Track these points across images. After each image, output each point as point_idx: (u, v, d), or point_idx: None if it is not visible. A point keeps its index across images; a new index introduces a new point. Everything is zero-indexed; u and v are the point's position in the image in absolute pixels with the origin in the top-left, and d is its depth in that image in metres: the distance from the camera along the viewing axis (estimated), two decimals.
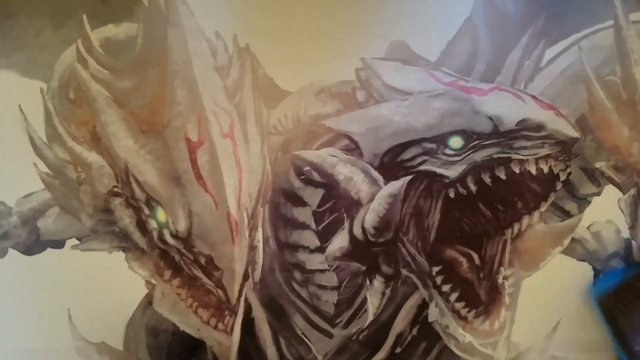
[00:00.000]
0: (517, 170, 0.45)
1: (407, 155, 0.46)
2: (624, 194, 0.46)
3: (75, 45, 0.47)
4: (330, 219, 0.46)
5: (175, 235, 0.46)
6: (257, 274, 0.47)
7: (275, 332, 0.47)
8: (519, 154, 0.45)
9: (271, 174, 0.46)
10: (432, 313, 0.47)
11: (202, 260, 0.47)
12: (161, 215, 0.46)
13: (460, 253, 0.47)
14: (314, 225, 0.46)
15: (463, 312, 0.46)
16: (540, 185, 0.46)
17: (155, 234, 0.47)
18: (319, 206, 0.46)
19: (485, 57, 0.46)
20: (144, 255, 0.47)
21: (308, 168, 0.46)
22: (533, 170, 0.45)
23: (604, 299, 0.43)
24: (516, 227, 0.46)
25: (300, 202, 0.46)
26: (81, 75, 0.47)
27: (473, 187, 0.45)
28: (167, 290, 0.47)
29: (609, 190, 0.46)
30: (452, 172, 0.45)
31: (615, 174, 0.46)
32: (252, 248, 0.46)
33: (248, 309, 0.47)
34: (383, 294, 0.47)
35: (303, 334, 0.47)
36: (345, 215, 0.46)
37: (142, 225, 0.47)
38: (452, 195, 0.46)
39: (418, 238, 0.46)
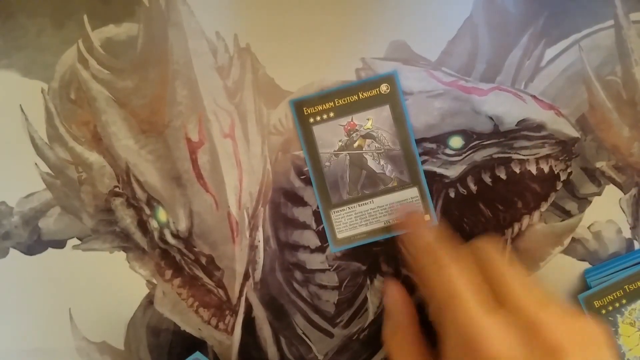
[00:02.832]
0: (517, 170, 0.45)
1: None
2: (625, 194, 0.46)
3: (76, 45, 0.47)
4: None
5: (176, 235, 0.47)
6: (258, 274, 0.47)
7: (276, 332, 0.47)
8: (520, 154, 0.45)
9: (272, 174, 0.46)
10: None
11: (203, 260, 0.47)
12: (162, 215, 0.47)
13: None
14: (314, 225, 0.46)
15: None
16: (540, 185, 0.46)
17: (156, 234, 0.47)
18: (319, 206, 0.46)
19: (486, 57, 0.46)
20: (145, 255, 0.47)
21: (308, 168, 0.46)
22: (533, 170, 0.45)
23: None
24: (516, 226, 0.46)
25: (300, 202, 0.46)
26: (82, 76, 0.47)
27: (473, 187, 0.45)
28: (168, 289, 0.47)
29: (610, 190, 0.46)
30: (453, 172, 0.45)
31: (616, 173, 0.46)
32: (252, 248, 0.46)
33: (249, 308, 0.47)
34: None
35: (304, 333, 0.47)
36: None
37: (143, 225, 0.47)
38: (452, 195, 0.46)
39: None
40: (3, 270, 0.48)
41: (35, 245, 0.48)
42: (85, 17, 0.47)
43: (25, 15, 0.47)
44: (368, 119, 0.45)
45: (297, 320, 0.47)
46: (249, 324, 0.47)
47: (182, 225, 0.46)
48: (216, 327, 0.47)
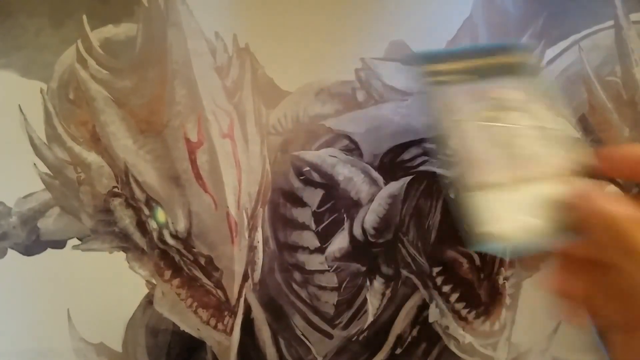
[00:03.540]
0: None
1: (407, 155, 0.46)
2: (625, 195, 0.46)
3: (75, 45, 0.47)
4: (330, 219, 0.46)
5: (174, 236, 0.46)
6: (257, 275, 0.46)
7: (275, 333, 0.47)
8: None
9: (271, 174, 0.46)
10: (432, 314, 0.47)
11: (202, 261, 0.46)
12: (161, 215, 0.46)
13: (460, 254, 0.46)
14: (313, 226, 0.46)
15: (463, 312, 0.46)
16: None
17: (155, 234, 0.47)
18: (318, 207, 0.46)
19: None
20: (144, 255, 0.47)
21: (308, 168, 0.46)
22: None
23: None
24: None
25: (299, 202, 0.46)
26: (81, 76, 0.47)
27: None
28: (167, 290, 0.47)
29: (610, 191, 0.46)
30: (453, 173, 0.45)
31: None
32: (251, 248, 0.46)
33: (248, 309, 0.47)
34: (383, 294, 0.46)
35: (303, 334, 0.47)
36: (345, 215, 0.46)
37: (142, 225, 0.47)
38: (452, 195, 0.45)
39: (418, 239, 0.46)
40: (1, 271, 0.47)
41: (33, 245, 0.48)
42: (84, 17, 0.47)
43: (25, 14, 0.47)
44: (517, 89, 0.34)
45: (296, 321, 0.47)
46: (248, 324, 0.47)
47: (181, 226, 0.46)
48: (215, 327, 0.47)
